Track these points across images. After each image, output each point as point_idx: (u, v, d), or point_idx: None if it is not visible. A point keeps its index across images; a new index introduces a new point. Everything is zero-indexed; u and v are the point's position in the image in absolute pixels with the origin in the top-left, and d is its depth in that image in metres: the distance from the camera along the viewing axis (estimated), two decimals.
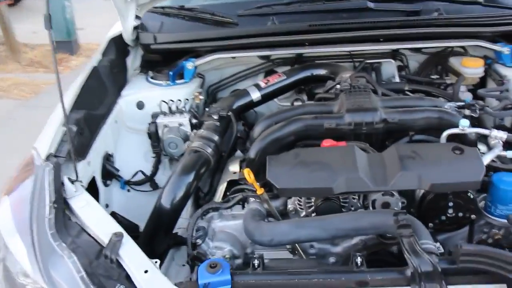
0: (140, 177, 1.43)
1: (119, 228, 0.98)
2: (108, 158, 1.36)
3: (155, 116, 1.46)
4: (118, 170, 1.38)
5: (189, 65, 1.57)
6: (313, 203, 1.12)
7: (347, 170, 1.02)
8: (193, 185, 1.19)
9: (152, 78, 1.62)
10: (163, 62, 1.70)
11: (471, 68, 1.51)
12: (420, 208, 1.07)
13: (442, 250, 0.97)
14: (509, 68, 1.51)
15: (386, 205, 1.08)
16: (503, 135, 1.14)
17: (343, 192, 1.02)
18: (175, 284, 0.86)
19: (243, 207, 1.17)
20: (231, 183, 1.28)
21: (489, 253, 0.80)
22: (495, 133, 1.15)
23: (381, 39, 1.57)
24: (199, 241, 1.10)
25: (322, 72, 1.55)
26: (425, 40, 1.58)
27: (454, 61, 1.60)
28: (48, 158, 1.12)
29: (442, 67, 1.67)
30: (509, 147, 1.14)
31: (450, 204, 1.05)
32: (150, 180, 1.44)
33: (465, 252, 0.81)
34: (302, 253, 1.08)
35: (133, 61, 1.70)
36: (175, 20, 1.74)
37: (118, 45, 1.63)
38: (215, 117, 1.40)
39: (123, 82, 1.59)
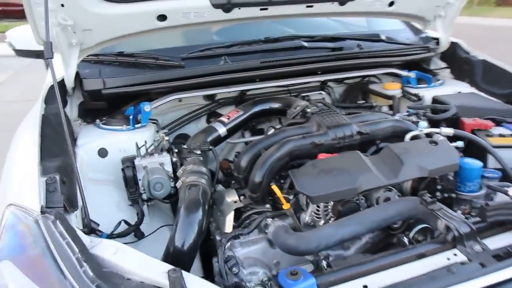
0: (123, 227, 1.29)
1: (166, 266, 0.89)
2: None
3: (128, 160, 1.36)
4: (98, 225, 1.23)
5: (146, 108, 1.53)
6: (329, 211, 1.20)
7: (362, 171, 1.15)
8: (204, 220, 1.15)
9: (104, 124, 1.52)
10: (106, 109, 1.61)
11: (393, 90, 1.85)
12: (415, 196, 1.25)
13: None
14: (415, 89, 1.89)
15: (387, 200, 1.23)
16: (450, 130, 1.44)
17: (364, 190, 1.14)
18: None
19: (259, 231, 1.18)
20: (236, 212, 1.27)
21: (509, 204, 1.01)
22: (445, 130, 1.44)
23: (319, 72, 1.81)
24: (235, 269, 1.06)
25: (277, 105, 1.69)
26: (349, 71, 1.88)
27: (375, 87, 1.93)
28: (43, 211, 0.95)
29: (364, 93, 1.99)
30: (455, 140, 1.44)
31: (439, 187, 1.26)
32: (135, 230, 1.31)
33: (491, 208, 1.00)
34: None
35: (71, 110, 1.57)
36: (113, 67, 1.69)
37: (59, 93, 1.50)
38: (198, 152, 1.39)
39: (72, 132, 1.45)
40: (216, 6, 1.53)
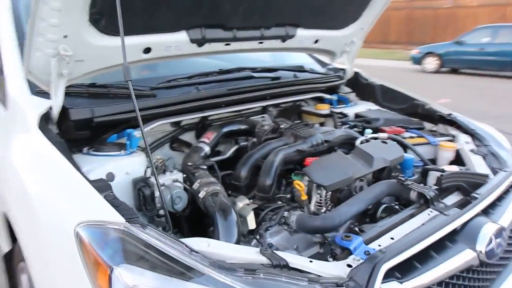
0: None
1: (252, 248, 1.10)
2: None
3: (141, 180, 1.47)
4: None
5: (137, 134, 1.65)
6: (328, 200, 1.53)
7: (351, 165, 1.53)
8: (239, 221, 1.35)
9: (95, 151, 1.58)
10: (86, 139, 1.66)
11: (324, 110, 2.31)
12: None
13: None
14: (337, 108, 2.39)
15: (361, 188, 1.62)
16: (385, 135, 1.93)
17: (356, 178, 1.51)
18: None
19: (278, 224, 1.44)
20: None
21: (459, 173, 1.49)
22: (382, 135, 1.93)
23: (268, 97, 2.16)
24: None
25: (243, 126, 1.96)
26: (287, 96, 2.28)
27: (308, 108, 2.37)
28: (128, 221, 1.05)
29: (298, 114, 2.41)
30: None
31: (395, 173, 1.71)
32: None
33: (444, 177, 1.47)
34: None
35: None
36: (83, 98, 1.74)
37: (42, 124, 1.52)
38: (204, 167, 1.58)
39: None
40: (192, 41, 1.77)
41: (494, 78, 11.13)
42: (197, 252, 1.00)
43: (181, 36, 1.74)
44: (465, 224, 1.28)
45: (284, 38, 2.09)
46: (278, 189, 1.55)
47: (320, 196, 1.51)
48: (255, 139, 1.89)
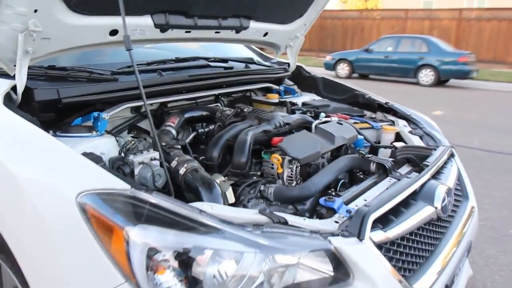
0: None
1: (252, 210, 1.19)
2: None
3: (118, 159, 1.47)
4: None
5: (105, 116, 1.63)
6: (298, 174, 1.65)
7: (318, 141, 1.67)
8: (223, 193, 1.41)
9: (64, 133, 1.54)
10: (49, 121, 1.61)
11: (274, 99, 2.45)
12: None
13: None
14: (285, 98, 2.55)
15: (323, 165, 1.78)
16: (336, 118, 2.12)
17: (323, 153, 1.66)
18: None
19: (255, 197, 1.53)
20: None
21: (410, 147, 1.71)
22: (334, 118, 2.11)
23: (224, 85, 2.24)
24: None
25: (204, 112, 2.02)
26: (238, 85, 2.38)
27: (259, 98, 2.49)
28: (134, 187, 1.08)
29: (249, 104, 2.52)
30: None
31: (349, 152, 1.89)
32: None
33: (397, 151, 1.68)
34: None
35: None
36: (42, 81, 1.68)
37: (7, 104, 1.45)
38: (178, 146, 1.61)
39: None
40: (156, 26, 1.80)
41: (399, 83, 12.31)
42: (205, 212, 1.06)
43: (146, 21, 1.76)
44: (422, 186, 1.49)
45: (238, 29, 2.19)
46: (251, 166, 1.64)
47: (291, 171, 1.63)
48: (212, 125, 1.96)
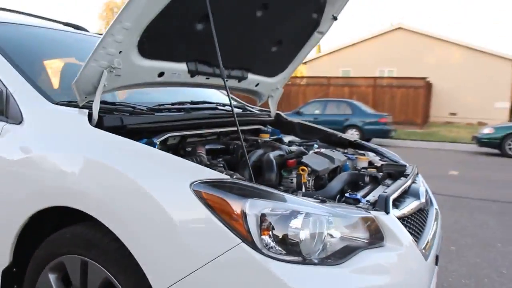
0: None
1: None
2: None
3: None
4: None
5: (157, 141, 1.99)
6: (313, 183, 2.11)
7: (325, 160, 2.17)
8: None
9: None
10: None
11: (266, 138, 2.93)
12: None
13: None
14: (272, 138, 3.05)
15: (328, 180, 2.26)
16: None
17: (330, 169, 2.16)
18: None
19: None
20: None
21: (391, 164, 2.27)
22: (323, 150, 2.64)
23: (229, 124, 2.70)
24: None
25: (220, 146, 2.42)
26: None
27: (252, 137, 2.97)
28: (230, 175, 1.48)
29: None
30: None
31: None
32: None
33: (383, 166, 2.23)
34: None
35: None
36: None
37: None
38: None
39: None
40: (189, 71, 2.25)
41: None
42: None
43: (182, 66, 2.21)
44: (409, 188, 2.03)
45: (240, 79, 2.71)
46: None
47: (308, 181, 2.09)
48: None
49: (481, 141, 11.65)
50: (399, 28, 23.78)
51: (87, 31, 3.20)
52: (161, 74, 2.10)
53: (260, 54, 2.70)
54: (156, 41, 1.89)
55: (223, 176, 1.49)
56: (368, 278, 1.42)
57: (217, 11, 1.93)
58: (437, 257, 1.91)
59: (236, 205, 1.37)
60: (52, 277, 1.73)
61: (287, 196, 1.48)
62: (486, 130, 11.86)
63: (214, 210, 1.37)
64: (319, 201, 1.53)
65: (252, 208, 1.37)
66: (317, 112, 14.21)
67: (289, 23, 2.59)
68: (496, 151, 11.41)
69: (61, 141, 1.72)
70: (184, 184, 1.43)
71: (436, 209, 2.34)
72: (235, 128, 2.64)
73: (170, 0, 1.72)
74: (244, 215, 1.35)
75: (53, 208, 1.68)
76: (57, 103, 1.88)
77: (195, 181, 1.43)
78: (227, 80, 2.59)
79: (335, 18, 2.77)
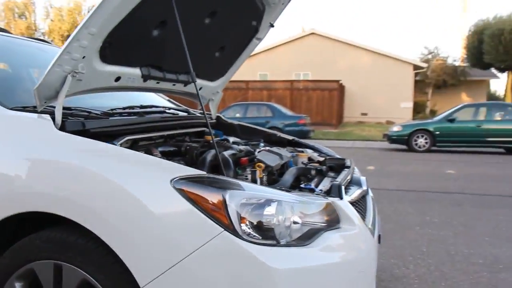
0: None
1: None
2: None
3: None
4: None
5: (118, 144, 2.05)
6: (265, 179, 2.31)
7: (276, 157, 2.38)
8: None
9: None
10: None
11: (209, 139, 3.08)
12: None
13: None
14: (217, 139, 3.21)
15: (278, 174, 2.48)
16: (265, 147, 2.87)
17: (282, 164, 2.37)
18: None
19: None
20: None
21: (333, 158, 2.55)
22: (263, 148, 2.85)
23: (177, 127, 2.80)
24: None
25: (172, 148, 2.53)
26: (184, 128, 2.96)
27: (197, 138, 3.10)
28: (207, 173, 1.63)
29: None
30: None
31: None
32: None
33: (327, 160, 2.50)
34: None
35: None
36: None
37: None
38: None
39: None
40: (142, 76, 2.34)
41: None
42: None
43: (137, 71, 2.29)
44: (351, 178, 2.32)
45: (186, 83, 2.83)
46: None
47: (263, 177, 2.29)
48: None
49: (391, 138, 12.81)
50: (312, 33, 25.11)
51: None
52: (117, 79, 2.17)
53: (205, 59, 2.85)
54: (116, 46, 1.96)
55: (200, 172, 1.62)
56: (332, 255, 1.65)
57: (171, 18, 2.05)
58: (379, 237, 2.21)
59: (217, 197, 1.52)
60: (18, 285, 1.73)
61: (260, 187, 1.66)
62: (395, 128, 13.08)
63: (196, 203, 1.51)
64: (286, 191, 1.73)
65: (232, 199, 1.52)
66: (238, 115, 14.53)
67: (232, 30, 2.77)
68: (404, 146, 12.62)
69: (29, 146, 1.73)
70: (164, 181, 1.54)
71: (371, 196, 2.67)
72: (187, 130, 2.77)
73: (135, 6, 1.81)
74: (225, 205, 1.50)
75: (14, 216, 1.69)
76: (11, 109, 1.87)
77: (175, 178, 1.55)
78: (174, 85, 2.73)
79: (272, 25, 3.01)
